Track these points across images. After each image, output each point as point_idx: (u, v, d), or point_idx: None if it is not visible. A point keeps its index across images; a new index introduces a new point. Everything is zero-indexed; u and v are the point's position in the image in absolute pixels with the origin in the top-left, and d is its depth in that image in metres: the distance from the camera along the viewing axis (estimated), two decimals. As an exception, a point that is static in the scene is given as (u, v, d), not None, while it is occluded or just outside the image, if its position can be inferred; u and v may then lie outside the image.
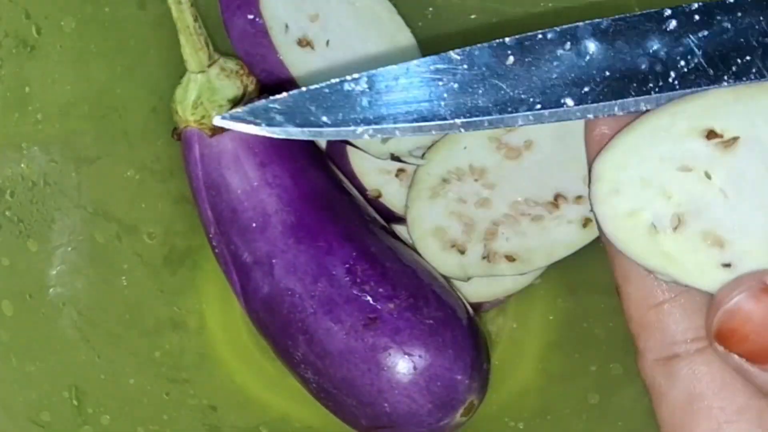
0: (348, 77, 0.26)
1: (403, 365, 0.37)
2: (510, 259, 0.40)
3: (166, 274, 0.43)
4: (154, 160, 0.42)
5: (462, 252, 0.40)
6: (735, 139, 0.24)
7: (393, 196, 0.42)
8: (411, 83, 0.27)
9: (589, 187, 0.25)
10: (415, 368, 0.37)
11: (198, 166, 0.39)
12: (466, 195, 0.40)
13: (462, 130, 0.26)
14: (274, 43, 0.37)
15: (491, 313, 0.45)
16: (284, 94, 0.27)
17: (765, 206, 0.24)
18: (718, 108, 0.25)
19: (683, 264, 0.25)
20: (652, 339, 0.27)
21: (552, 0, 0.39)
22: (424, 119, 0.26)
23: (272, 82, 0.38)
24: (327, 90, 0.26)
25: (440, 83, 0.26)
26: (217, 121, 0.27)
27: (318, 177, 0.39)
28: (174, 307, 0.43)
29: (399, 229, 0.42)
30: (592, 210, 0.26)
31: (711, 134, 0.25)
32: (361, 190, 0.42)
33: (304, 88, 0.27)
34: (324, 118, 0.26)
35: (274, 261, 0.38)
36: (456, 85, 0.26)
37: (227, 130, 0.38)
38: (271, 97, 0.27)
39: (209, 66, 0.38)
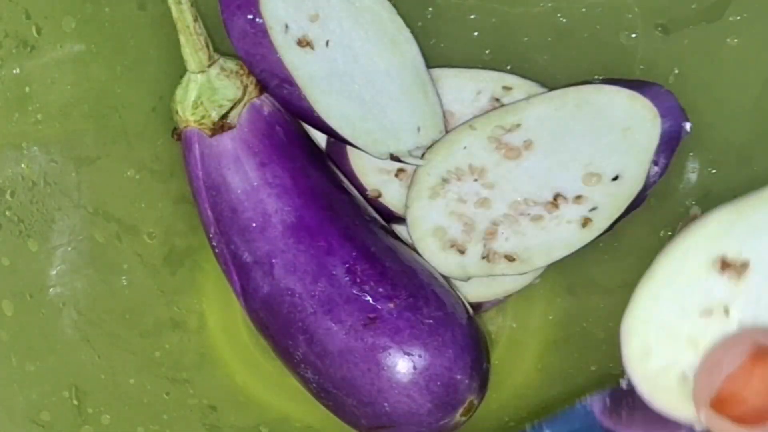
0: None
1: (402, 365, 0.37)
2: (510, 259, 0.40)
3: (166, 274, 0.43)
4: (154, 160, 0.42)
5: (462, 252, 0.40)
6: (745, 265, 0.25)
7: (393, 196, 0.42)
8: None
9: (621, 348, 0.26)
10: (414, 368, 0.37)
11: (198, 166, 0.39)
12: (466, 195, 0.40)
13: None
14: (273, 43, 0.37)
15: (491, 313, 0.45)
16: None
17: None
18: (724, 231, 0.25)
19: None
20: None
21: (552, 0, 0.39)
22: None
23: (272, 82, 0.38)
24: None
25: None
26: None
27: (318, 177, 0.39)
28: (174, 307, 0.43)
29: (399, 229, 0.42)
30: (626, 372, 0.26)
31: (724, 264, 0.25)
32: (361, 190, 0.42)
33: None
34: None
35: (274, 261, 0.38)
36: None
37: (227, 129, 0.38)
38: None
39: (209, 66, 0.38)
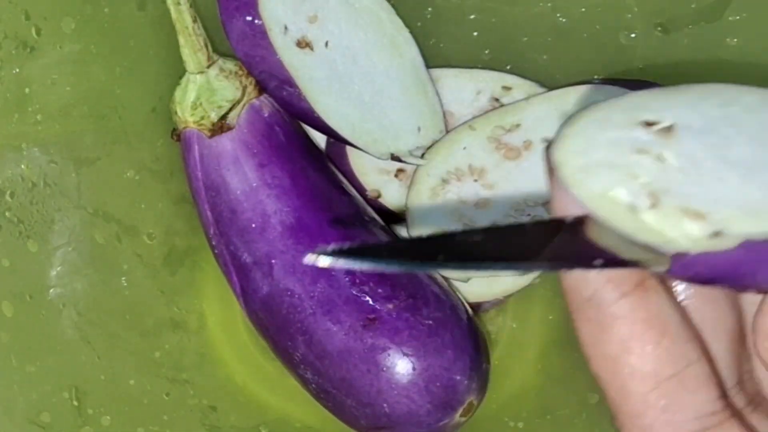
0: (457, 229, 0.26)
1: (402, 366, 0.37)
2: (509, 259, 0.40)
3: (166, 274, 0.43)
4: (154, 160, 0.42)
5: (461, 252, 0.40)
6: (671, 126, 0.25)
7: (393, 197, 0.42)
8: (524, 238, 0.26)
9: (551, 178, 0.25)
10: (414, 369, 0.37)
11: (197, 167, 0.39)
12: (466, 195, 0.40)
13: None
14: (273, 45, 0.37)
15: (491, 313, 0.45)
16: (385, 241, 0.26)
17: (724, 177, 0.24)
18: (643, 104, 0.25)
19: (675, 238, 0.24)
20: (663, 415, 0.25)
21: (551, 0, 0.39)
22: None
23: (271, 83, 0.38)
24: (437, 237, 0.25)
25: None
26: (308, 259, 0.25)
27: (317, 177, 0.39)
28: (174, 307, 0.43)
29: (399, 229, 0.42)
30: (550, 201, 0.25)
31: (648, 123, 0.25)
32: (361, 190, 0.42)
33: (407, 238, 0.25)
34: (440, 256, 0.24)
35: (273, 261, 0.38)
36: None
37: (226, 130, 0.38)
38: (369, 244, 0.25)
39: (208, 67, 0.38)
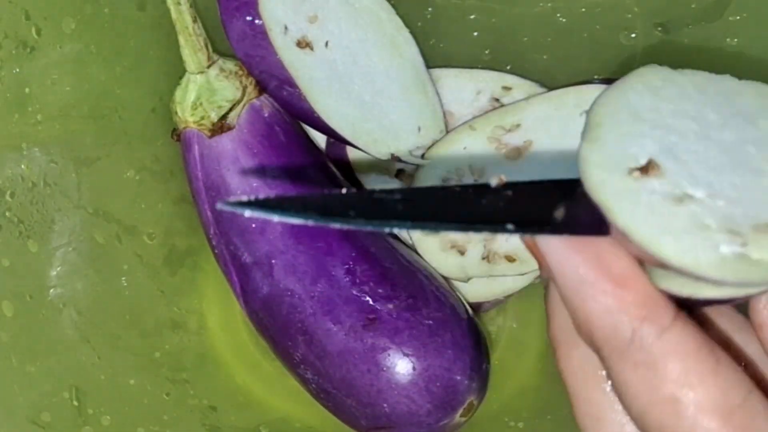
0: (377, 188, 0.25)
1: (402, 366, 0.37)
2: (510, 259, 0.40)
3: (166, 274, 0.43)
4: (154, 160, 0.42)
5: (462, 252, 0.40)
6: (650, 163, 0.24)
7: (393, 197, 0.42)
8: (447, 198, 0.25)
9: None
10: (414, 369, 0.37)
11: (197, 167, 0.39)
12: (466, 195, 0.40)
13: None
14: (273, 45, 0.37)
15: (491, 313, 0.45)
16: (299, 195, 0.25)
17: (732, 181, 0.23)
18: (615, 150, 0.24)
19: None
20: None
21: (551, 0, 0.39)
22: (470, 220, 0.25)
23: (272, 83, 0.38)
24: (354, 196, 0.24)
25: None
26: (220, 206, 0.24)
27: (317, 177, 0.39)
28: (174, 308, 0.43)
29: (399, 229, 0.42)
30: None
31: (639, 169, 0.24)
32: (361, 190, 0.42)
33: (323, 192, 0.25)
34: (352, 212, 0.23)
35: (273, 261, 0.38)
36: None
37: (227, 130, 0.38)
38: (287, 196, 0.24)
39: (208, 67, 0.38)
